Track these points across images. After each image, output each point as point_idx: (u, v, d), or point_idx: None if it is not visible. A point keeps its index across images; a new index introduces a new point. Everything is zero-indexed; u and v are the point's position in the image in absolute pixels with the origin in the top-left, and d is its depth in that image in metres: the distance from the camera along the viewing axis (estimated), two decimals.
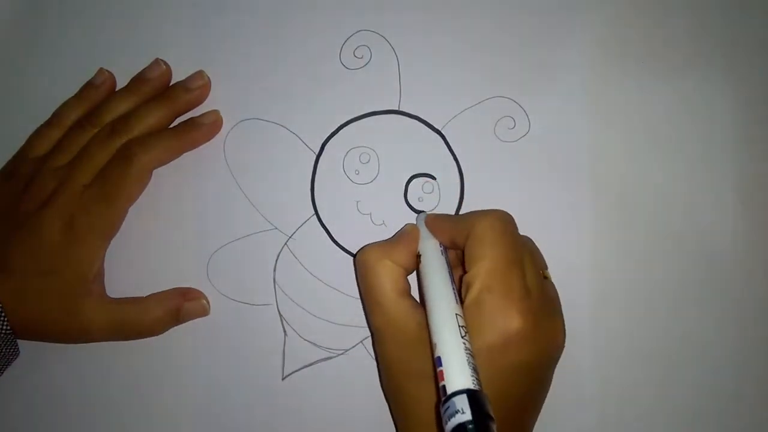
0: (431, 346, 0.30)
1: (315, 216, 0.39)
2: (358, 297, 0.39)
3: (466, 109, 0.39)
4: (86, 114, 0.39)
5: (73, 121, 0.39)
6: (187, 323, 0.39)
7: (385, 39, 0.40)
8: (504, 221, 0.33)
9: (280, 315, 0.39)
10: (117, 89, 0.40)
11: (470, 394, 0.27)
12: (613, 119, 0.39)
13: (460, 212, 0.39)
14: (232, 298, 0.39)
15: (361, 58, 0.40)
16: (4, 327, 0.36)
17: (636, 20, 0.39)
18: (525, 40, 0.39)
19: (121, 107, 0.39)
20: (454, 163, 0.39)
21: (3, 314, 0.35)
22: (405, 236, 0.35)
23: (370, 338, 0.38)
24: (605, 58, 0.39)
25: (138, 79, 0.40)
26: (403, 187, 0.39)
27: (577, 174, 0.39)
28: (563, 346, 0.34)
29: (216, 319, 0.39)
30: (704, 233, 0.38)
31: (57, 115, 0.40)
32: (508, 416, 0.31)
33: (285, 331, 0.39)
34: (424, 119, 0.39)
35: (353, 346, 0.39)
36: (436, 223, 0.36)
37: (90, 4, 0.41)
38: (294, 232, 0.39)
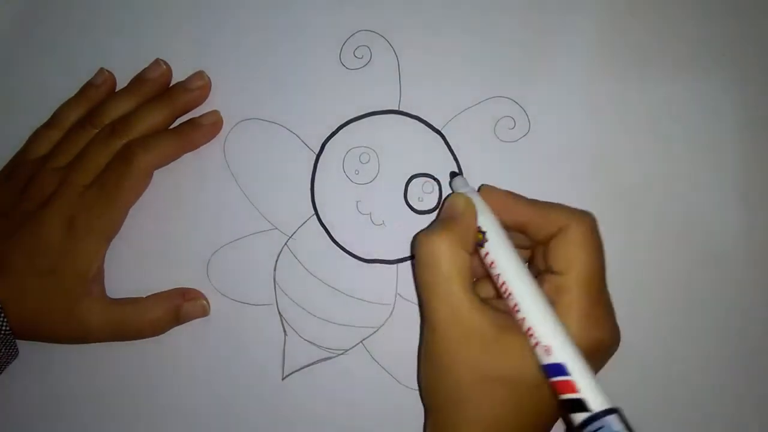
0: (533, 349, 0.29)
1: (315, 216, 0.39)
2: (358, 297, 0.39)
3: (466, 109, 0.39)
4: (86, 114, 0.39)
5: (73, 121, 0.39)
6: (187, 323, 0.39)
7: (385, 39, 0.40)
8: (597, 228, 0.32)
9: (280, 315, 0.39)
10: (117, 89, 0.40)
11: (620, 414, 0.26)
12: (613, 119, 0.39)
13: None
14: (232, 298, 0.39)
15: (361, 58, 0.40)
16: (4, 327, 0.35)
17: (636, 20, 0.39)
18: (525, 40, 0.39)
19: (121, 107, 0.39)
20: (454, 163, 0.39)
21: (2, 314, 0.35)
22: (464, 214, 0.32)
23: (370, 338, 0.38)
24: (605, 58, 0.39)
25: (138, 80, 0.40)
26: (403, 187, 0.39)
27: (577, 174, 0.39)
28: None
29: (216, 319, 0.39)
30: (705, 233, 0.38)
31: (57, 116, 0.40)
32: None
33: (285, 331, 0.39)
34: (424, 119, 0.39)
35: (353, 346, 0.39)
36: (506, 202, 0.33)
37: (90, 4, 0.41)
38: (294, 232, 0.39)
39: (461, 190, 0.33)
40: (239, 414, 0.39)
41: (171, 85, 0.40)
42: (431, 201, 0.39)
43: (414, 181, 0.39)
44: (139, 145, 0.37)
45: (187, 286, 0.39)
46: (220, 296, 0.39)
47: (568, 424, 0.28)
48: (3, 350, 0.36)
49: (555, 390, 0.28)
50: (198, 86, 0.40)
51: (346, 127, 0.39)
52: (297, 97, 0.40)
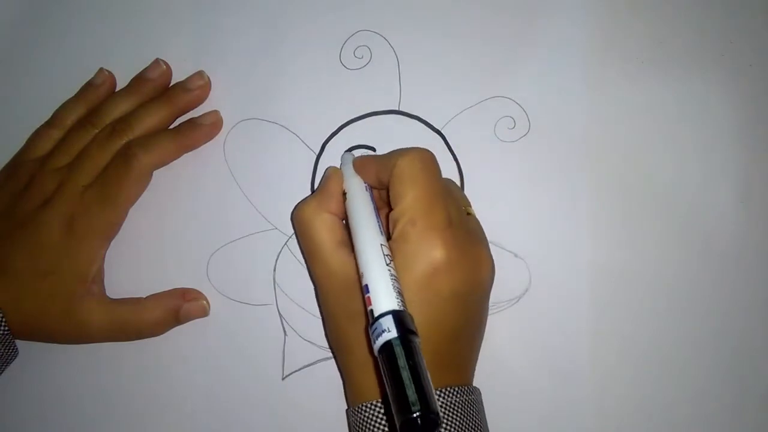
0: (359, 278, 0.31)
1: None
2: None
3: (466, 109, 0.39)
4: (86, 114, 0.39)
5: (73, 121, 0.39)
6: (187, 323, 0.39)
7: (385, 39, 0.40)
8: (423, 158, 0.34)
9: (280, 315, 0.39)
10: (117, 89, 0.40)
11: (394, 314, 0.28)
12: (613, 119, 0.39)
13: None
14: (232, 298, 0.39)
15: (361, 58, 0.40)
16: (2, 327, 0.36)
17: (636, 20, 0.39)
18: (525, 40, 0.39)
19: (121, 107, 0.39)
20: (454, 163, 0.39)
21: (1, 315, 0.35)
22: (331, 180, 0.36)
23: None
24: (605, 59, 0.39)
25: (138, 80, 0.40)
26: None
27: (577, 174, 0.39)
28: (492, 275, 0.34)
29: (216, 319, 0.39)
30: (705, 233, 0.38)
31: (57, 116, 0.40)
32: (442, 343, 0.32)
33: (285, 331, 0.39)
34: (424, 119, 0.39)
35: None
36: (362, 163, 0.36)
37: (90, 4, 0.41)
38: (294, 232, 0.39)
39: (345, 160, 0.37)
40: (239, 414, 0.39)
41: (171, 85, 0.40)
42: None
43: None
44: (139, 145, 0.37)
45: (187, 286, 0.39)
46: (220, 296, 0.39)
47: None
48: (2, 350, 0.36)
49: (366, 305, 0.30)
50: (198, 86, 0.40)
51: (346, 127, 0.39)
52: (297, 97, 0.40)
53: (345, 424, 0.37)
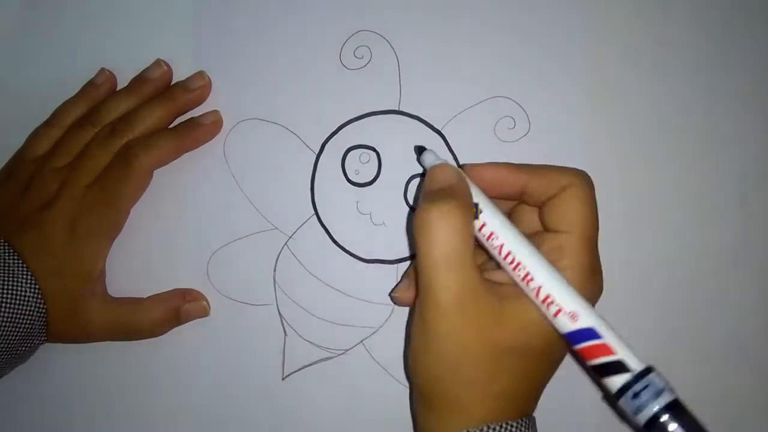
0: (552, 317, 0.28)
1: (315, 216, 0.39)
2: (359, 297, 0.39)
3: (466, 109, 0.39)
4: (86, 114, 0.39)
5: (73, 120, 0.39)
6: (187, 323, 0.39)
7: (385, 39, 0.40)
8: (592, 184, 0.32)
9: (280, 315, 0.39)
10: (118, 89, 0.40)
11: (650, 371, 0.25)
12: (613, 119, 0.39)
13: None
14: (232, 298, 0.39)
15: (361, 58, 0.40)
16: (39, 302, 0.36)
17: (636, 20, 0.39)
18: (525, 40, 0.39)
19: (121, 107, 0.39)
20: (454, 163, 0.39)
21: (37, 288, 0.36)
22: (460, 184, 0.31)
23: (370, 338, 0.38)
24: (605, 58, 0.39)
25: (139, 79, 0.40)
26: (403, 187, 0.39)
27: None
28: None
29: (216, 319, 0.39)
30: (705, 233, 0.38)
31: (57, 115, 0.40)
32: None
33: (285, 331, 0.39)
34: (424, 119, 0.39)
35: (353, 346, 0.39)
36: (501, 170, 0.32)
37: (90, 4, 0.41)
38: (294, 232, 0.39)
39: (437, 163, 0.32)
40: (239, 414, 0.39)
41: (171, 84, 0.40)
42: None
43: (414, 181, 0.39)
44: (139, 145, 0.37)
45: (187, 286, 0.39)
46: (220, 296, 0.39)
47: (603, 389, 0.28)
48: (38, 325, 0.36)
49: (583, 356, 0.27)
50: (198, 86, 0.40)
51: (346, 127, 0.39)
52: (297, 97, 0.40)
53: (345, 424, 0.37)
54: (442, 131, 0.39)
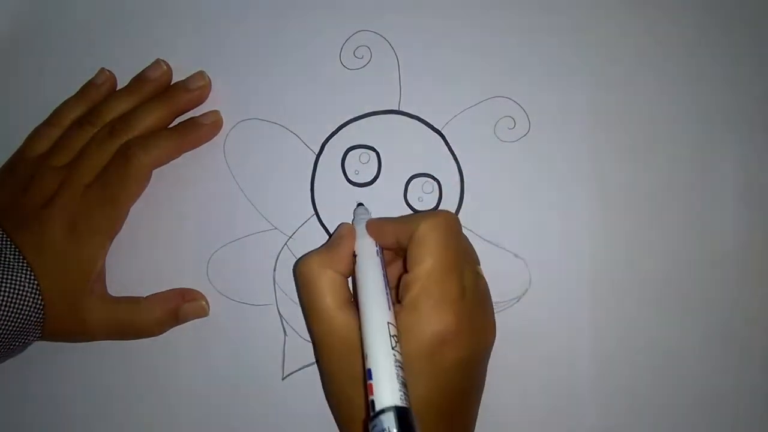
0: (362, 356, 0.30)
1: (315, 216, 0.39)
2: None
3: (466, 109, 0.39)
4: (86, 113, 0.39)
5: (72, 120, 0.39)
6: (187, 323, 0.39)
7: (385, 39, 0.40)
8: (447, 225, 0.33)
9: (280, 315, 0.39)
10: (117, 89, 0.40)
11: (398, 411, 0.28)
12: (613, 119, 0.39)
13: (460, 212, 0.39)
14: (232, 298, 0.39)
15: (361, 58, 0.40)
16: (36, 297, 0.36)
17: (636, 20, 0.39)
18: (525, 40, 0.39)
19: (120, 107, 0.39)
20: (454, 163, 0.39)
21: (36, 283, 0.35)
22: (343, 239, 0.35)
23: None
24: (605, 58, 0.39)
25: (139, 79, 0.40)
26: (403, 187, 0.39)
27: (577, 174, 0.39)
28: (494, 340, 0.34)
29: (216, 319, 0.39)
30: (705, 233, 0.38)
31: (57, 114, 0.40)
32: (448, 411, 0.32)
33: (285, 331, 0.39)
34: (424, 119, 0.39)
35: None
36: (379, 225, 0.35)
37: (90, 5, 0.41)
38: (294, 232, 0.39)
39: (358, 218, 0.37)
40: (239, 414, 0.39)
41: (171, 84, 0.40)
42: (431, 201, 0.39)
43: (414, 181, 0.39)
44: (139, 145, 0.37)
45: (187, 286, 0.39)
46: (220, 296, 0.39)
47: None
48: (35, 317, 0.36)
49: (368, 392, 0.29)
50: (198, 86, 0.40)
51: (346, 127, 0.39)
52: (297, 97, 0.40)
53: None
54: (442, 131, 0.39)
